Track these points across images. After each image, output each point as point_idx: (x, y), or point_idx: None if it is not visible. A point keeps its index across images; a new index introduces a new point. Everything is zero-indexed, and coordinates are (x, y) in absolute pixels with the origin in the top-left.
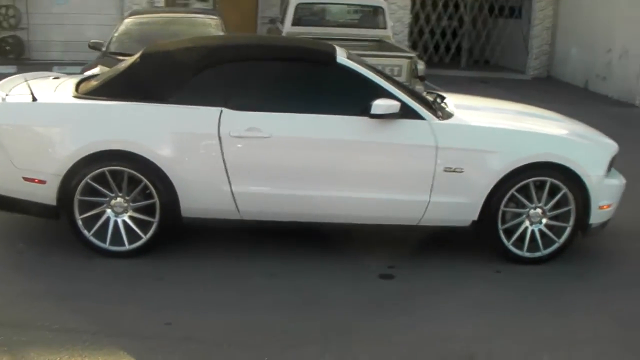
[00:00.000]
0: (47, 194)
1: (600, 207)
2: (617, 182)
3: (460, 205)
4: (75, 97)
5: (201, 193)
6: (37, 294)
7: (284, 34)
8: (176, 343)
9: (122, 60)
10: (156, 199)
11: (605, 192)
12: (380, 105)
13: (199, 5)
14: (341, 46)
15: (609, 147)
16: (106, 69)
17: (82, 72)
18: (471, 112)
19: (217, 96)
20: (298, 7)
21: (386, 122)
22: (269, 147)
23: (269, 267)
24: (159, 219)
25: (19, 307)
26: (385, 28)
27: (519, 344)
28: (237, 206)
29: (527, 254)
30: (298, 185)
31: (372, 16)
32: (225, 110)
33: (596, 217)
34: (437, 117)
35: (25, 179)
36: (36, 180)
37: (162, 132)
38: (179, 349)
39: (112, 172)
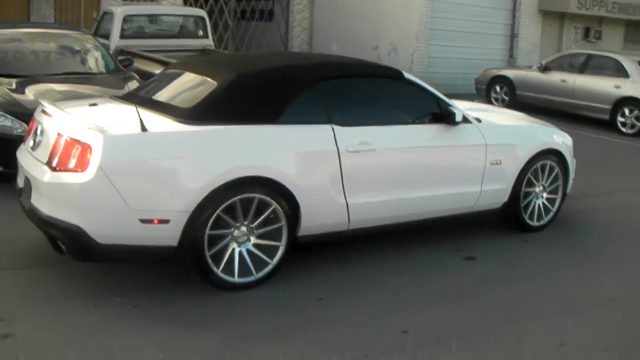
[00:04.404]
0: (169, 234)
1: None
2: (574, 160)
3: (499, 191)
4: (181, 122)
5: (321, 209)
6: (234, 340)
7: (112, 47)
8: None
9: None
10: (283, 222)
11: (572, 168)
12: (458, 113)
13: None
14: (169, 57)
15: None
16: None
17: None
18: (486, 114)
19: (321, 114)
20: (125, 19)
21: (454, 128)
22: (376, 158)
23: (390, 265)
24: (286, 242)
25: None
26: (207, 37)
27: (631, 286)
28: (349, 217)
29: (536, 223)
30: (399, 191)
31: (195, 26)
32: (335, 126)
33: (569, 188)
34: (477, 121)
35: (143, 220)
36: (156, 221)
37: (289, 153)
38: None
39: (241, 201)
